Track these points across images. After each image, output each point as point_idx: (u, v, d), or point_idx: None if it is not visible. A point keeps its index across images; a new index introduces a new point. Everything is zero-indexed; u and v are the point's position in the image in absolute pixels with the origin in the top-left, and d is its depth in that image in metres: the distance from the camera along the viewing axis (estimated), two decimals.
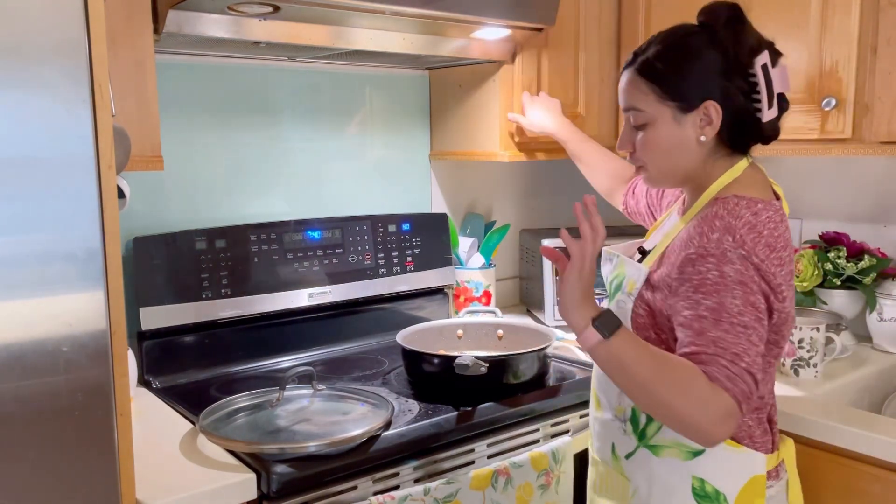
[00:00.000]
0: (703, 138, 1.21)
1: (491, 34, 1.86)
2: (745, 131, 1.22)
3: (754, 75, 1.19)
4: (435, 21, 1.69)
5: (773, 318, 1.16)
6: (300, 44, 1.69)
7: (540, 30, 1.92)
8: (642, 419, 1.26)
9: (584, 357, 1.91)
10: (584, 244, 1.16)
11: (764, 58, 1.19)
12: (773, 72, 1.20)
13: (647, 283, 1.23)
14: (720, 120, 1.19)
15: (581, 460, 1.57)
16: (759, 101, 1.19)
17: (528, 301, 2.41)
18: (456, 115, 2.19)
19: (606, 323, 1.13)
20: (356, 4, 1.53)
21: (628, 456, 1.28)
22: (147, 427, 1.51)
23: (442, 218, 2.21)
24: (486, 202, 2.47)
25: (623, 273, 1.29)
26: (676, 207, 1.37)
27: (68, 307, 1.02)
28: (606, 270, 1.38)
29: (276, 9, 1.50)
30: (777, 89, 1.21)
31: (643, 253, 1.33)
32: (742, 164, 1.24)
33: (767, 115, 1.20)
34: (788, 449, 1.32)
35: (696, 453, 1.21)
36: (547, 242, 2.21)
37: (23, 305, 0.99)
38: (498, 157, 2.06)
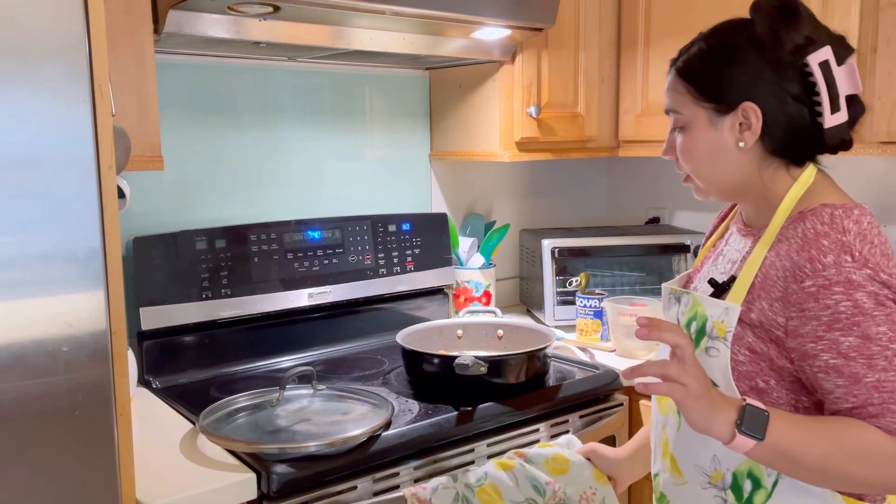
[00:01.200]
0: (741, 144, 1.08)
1: (491, 34, 1.86)
2: (799, 139, 1.08)
3: (812, 75, 1.05)
4: (435, 21, 1.69)
5: None
6: (300, 44, 1.69)
7: (540, 30, 1.92)
8: (747, 486, 1.07)
9: (585, 357, 1.91)
10: (684, 345, 0.99)
11: (822, 55, 1.04)
12: (836, 71, 1.05)
13: (742, 322, 1.06)
14: (760, 124, 1.06)
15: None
16: (819, 104, 1.05)
17: (528, 301, 2.41)
18: (456, 115, 2.19)
19: (754, 424, 0.96)
20: (356, 4, 1.53)
21: None
22: (147, 427, 1.51)
23: (442, 218, 2.21)
24: (486, 202, 2.47)
25: (703, 313, 1.11)
26: (734, 226, 1.22)
27: (68, 307, 1.02)
28: (674, 313, 1.21)
29: (276, 9, 1.50)
30: (844, 91, 1.06)
31: (715, 286, 1.14)
32: (811, 171, 1.10)
33: (831, 120, 1.05)
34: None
35: None
36: (547, 243, 2.21)
37: (23, 305, 0.99)
38: (498, 157, 2.06)
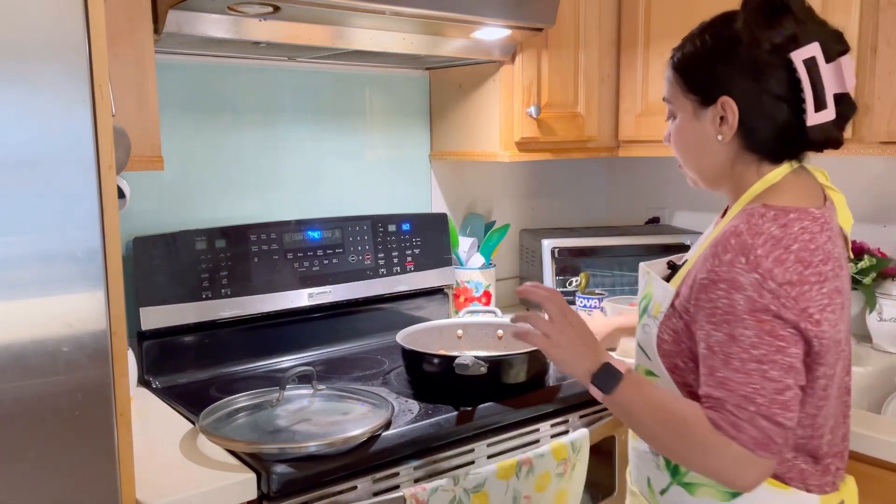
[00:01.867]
0: (720, 137, 1.11)
1: (491, 34, 1.86)
2: (778, 137, 1.10)
3: (797, 71, 1.05)
4: (435, 21, 1.69)
5: (815, 346, 1.03)
6: (300, 44, 1.69)
7: (540, 30, 1.92)
8: None
9: None
10: (550, 300, 1.19)
11: (807, 52, 1.05)
12: (823, 68, 1.05)
13: (672, 305, 1.13)
14: (736, 119, 1.09)
15: (598, 449, 1.60)
16: (804, 101, 1.06)
17: (528, 301, 2.41)
18: (456, 115, 2.19)
19: (604, 380, 1.12)
20: (356, 4, 1.53)
21: (662, 492, 1.19)
22: (147, 427, 1.51)
23: (442, 218, 2.21)
24: (486, 202, 2.47)
25: (651, 294, 1.19)
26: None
27: (68, 307, 1.02)
28: (639, 289, 1.30)
29: (276, 9, 1.50)
30: (831, 89, 1.06)
31: (672, 268, 1.24)
32: (782, 169, 1.12)
33: (815, 118, 1.06)
34: (850, 490, 1.16)
35: (735, 493, 1.10)
36: (547, 243, 2.21)
37: (23, 305, 0.99)
38: (498, 157, 2.06)
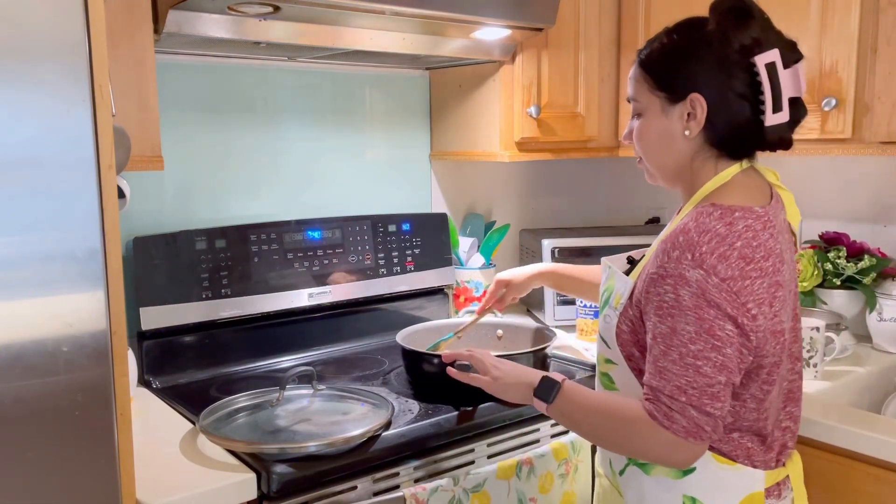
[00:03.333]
0: (687, 132, 1.17)
1: (491, 34, 1.86)
2: (739, 134, 1.16)
3: (759, 74, 1.12)
4: (435, 21, 1.69)
5: (752, 340, 1.09)
6: (300, 44, 1.69)
7: (540, 30, 1.92)
8: None
9: (585, 357, 1.91)
10: (472, 357, 1.41)
11: (769, 57, 1.12)
12: (782, 73, 1.12)
13: (630, 297, 1.19)
14: (704, 115, 1.15)
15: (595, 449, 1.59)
16: (763, 102, 1.13)
17: (528, 301, 2.41)
18: (456, 115, 2.19)
19: (545, 391, 1.23)
20: (356, 4, 1.53)
21: (621, 472, 1.26)
22: (147, 427, 1.51)
23: (442, 218, 2.21)
24: (486, 202, 2.47)
25: (612, 286, 1.25)
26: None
27: (68, 307, 1.02)
28: (601, 283, 1.35)
29: (276, 9, 1.50)
30: (788, 93, 1.13)
31: (631, 262, 1.30)
32: (732, 168, 1.18)
33: (772, 119, 1.13)
34: (795, 465, 1.26)
35: (687, 472, 1.17)
36: (547, 243, 2.21)
37: (23, 305, 0.99)
38: (498, 157, 2.06)
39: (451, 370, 1.45)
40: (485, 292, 2.25)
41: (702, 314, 1.06)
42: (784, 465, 1.23)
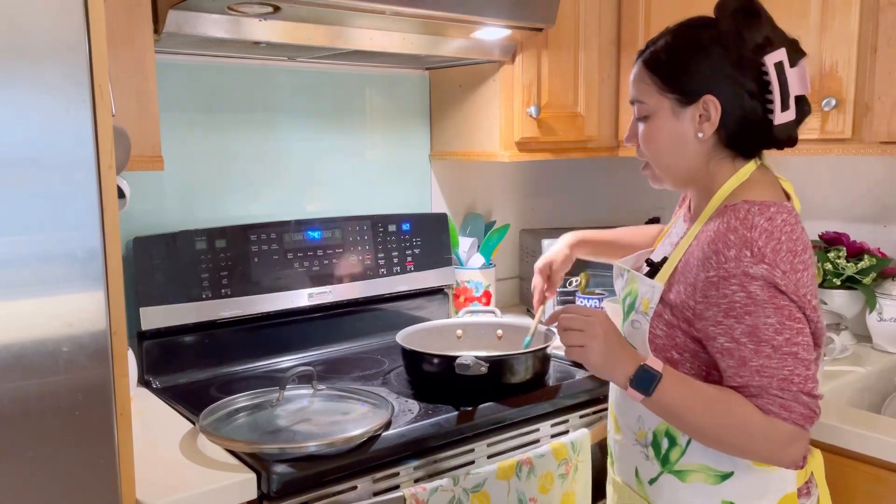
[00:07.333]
0: (700, 134, 1.16)
1: (491, 34, 1.86)
2: (751, 133, 1.16)
3: (767, 74, 1.12)
4: (435, 21, 1.69)
5: (813, 329, 1.10)
6: (300, 44, 1.69)
7: (540, 30, 1.92)
8: (664, 443, 1.21)
9: None
10: (572, 318, 1.17)
11: (777, 56, 1.12)
12: (789, 72, 1.12)
13: (663, 300, 1.17)
14: (719, 116, 1.14)
15: (600, 448, 1.60)
16: (771, 101, 1.13)
17: (528, 301, 2.41)
18: (456, 115, 2.19)
19: (643, 382, 1.11)
20: (356, 4, 1.53)
21: (652, 482, 1.22)
22: (147, 427, 1.51)
23: (442, 218, 2.21)
24: (486, 202, 2.47)
25: (636, 290, 1.22)
26: (682, 212, 1.32)
27: (68, 307, 1.02)
28: (618, 286, 1.33)
29: (276, 9, 1.50)
30: (794, 91, 1.13)
31: (651, 265, 1.26)
32: (750, 166, 1.18)
33: (780, 117, 1.13)
34: (817, 462, 1.25)
35: (725, 476, 1.16)
36: (547, 243, 2.21)
37: (23, 305, 0.99)
38: (498, 157, 2.06)
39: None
40: (485, 292, 2.26)
41: (778, 303, 1.06)
42: (808, 463, 1.22)
